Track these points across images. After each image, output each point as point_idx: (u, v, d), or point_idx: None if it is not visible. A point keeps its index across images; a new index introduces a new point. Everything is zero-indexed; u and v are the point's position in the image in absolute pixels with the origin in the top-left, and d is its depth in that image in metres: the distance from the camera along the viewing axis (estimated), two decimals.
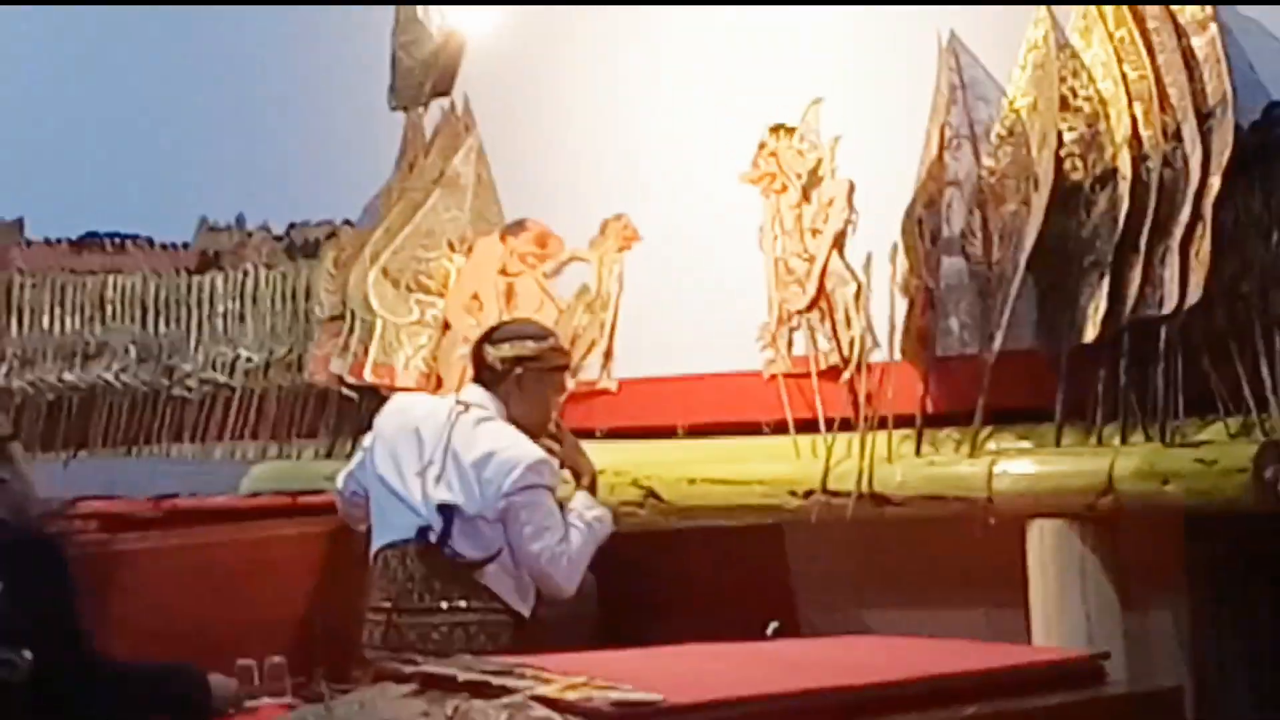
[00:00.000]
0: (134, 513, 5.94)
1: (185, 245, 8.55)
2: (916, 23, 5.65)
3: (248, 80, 7.98)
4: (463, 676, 3.68)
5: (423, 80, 6.93)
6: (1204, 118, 5.12)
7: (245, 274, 7.97)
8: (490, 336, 5.50)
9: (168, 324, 8.33)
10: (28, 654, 4.05)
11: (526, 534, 5.22)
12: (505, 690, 3.56)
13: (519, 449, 5.27)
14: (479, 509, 5.23)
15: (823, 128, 5.87)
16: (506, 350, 5.40)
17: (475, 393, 5.41)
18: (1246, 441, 4.96)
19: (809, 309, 5.83)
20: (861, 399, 5.61)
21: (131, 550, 5.62)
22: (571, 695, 3.51)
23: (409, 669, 3.84)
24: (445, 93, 6.91)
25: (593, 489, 5.48)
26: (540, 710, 3.46)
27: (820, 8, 5.90)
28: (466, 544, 5.25)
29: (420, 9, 6.87)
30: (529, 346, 5.42)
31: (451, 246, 6.72)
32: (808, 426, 5.73)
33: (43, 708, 4.21)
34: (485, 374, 5.42)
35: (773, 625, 4.51)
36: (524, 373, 5.38)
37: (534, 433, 5.41)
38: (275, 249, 7.99)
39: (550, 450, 5.40)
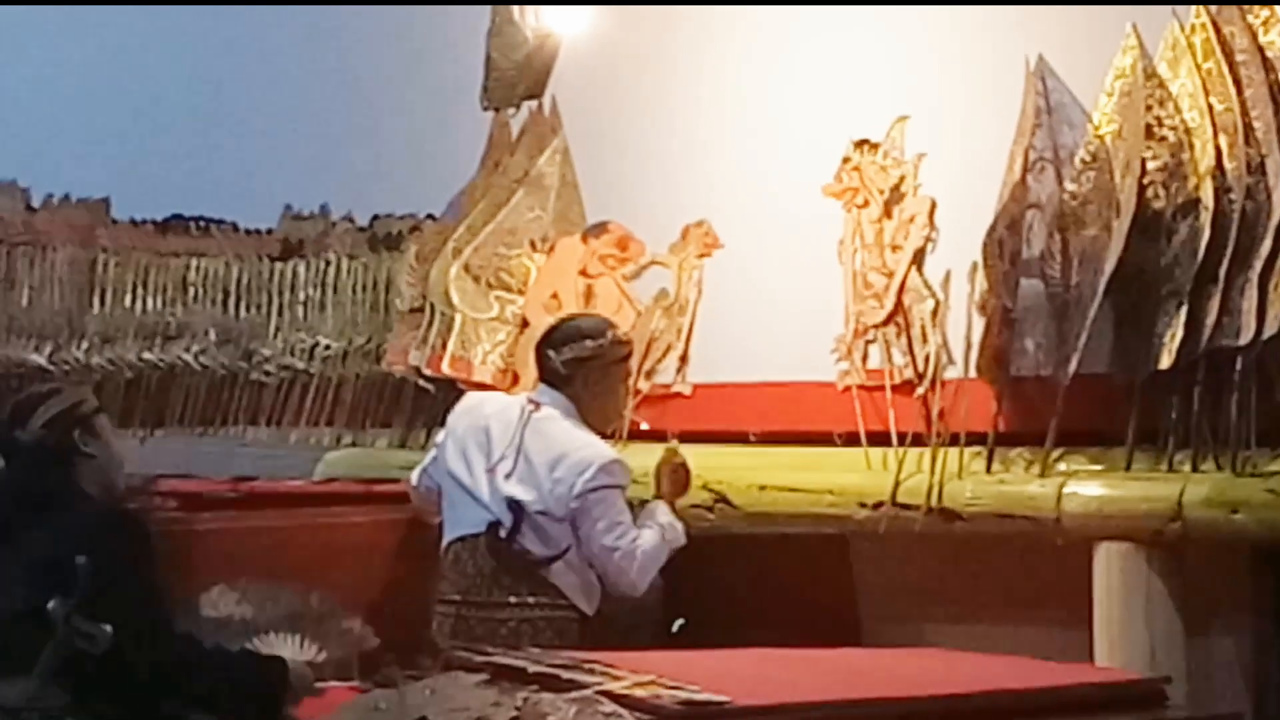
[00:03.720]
0: (213, 493, 6.02)
1: (269, 231, 8.61)
2: (1005, 45, 5.66)
3: (339, 73, 8.06)
4: (533, 669, 3.73)
5: (516, 81, 6.97)
6: None
7: (327, 263, 8.04)
8: (549, 340, 5.52)
9: (249, 309, 8.41)
10: (108, 628, 4.09)
11: (600, 529, 5.27)
12: (574, 684, 3.60)
13: (592, 449, 5.33)
14: (547, 507, 5.29)
15: (907, 145, 5.89)
16: (567, 354, 5.43)
17: (546, 392, 5.47)
18: None
19: (885, 323, 5.84)
20: (934, 414, 5.63)
21: (210, 530, 5.69)
22: (640, 692, 3.55)
23: (480, 659, 3.89)
24: (537, 95, 6.95)
25: (671, 506, 5.52)
26: (609, 706, 3.50)
27: (911, 26, 5.93)
28: (534, 541, 5.31)
29: (516, 11, 6.92)
30: (588, 347, 5.45)
31: (533, 245, 6.77)
32: (879, 439, 5.74)
33: (122, 682, 4.27)
34: (550, 377, 5.48)
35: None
36: (588, 372, 5.43)
37: (608, 420, 5.51)
38: (358, 239, 8.05)
39: (672, 462, 5.49)
